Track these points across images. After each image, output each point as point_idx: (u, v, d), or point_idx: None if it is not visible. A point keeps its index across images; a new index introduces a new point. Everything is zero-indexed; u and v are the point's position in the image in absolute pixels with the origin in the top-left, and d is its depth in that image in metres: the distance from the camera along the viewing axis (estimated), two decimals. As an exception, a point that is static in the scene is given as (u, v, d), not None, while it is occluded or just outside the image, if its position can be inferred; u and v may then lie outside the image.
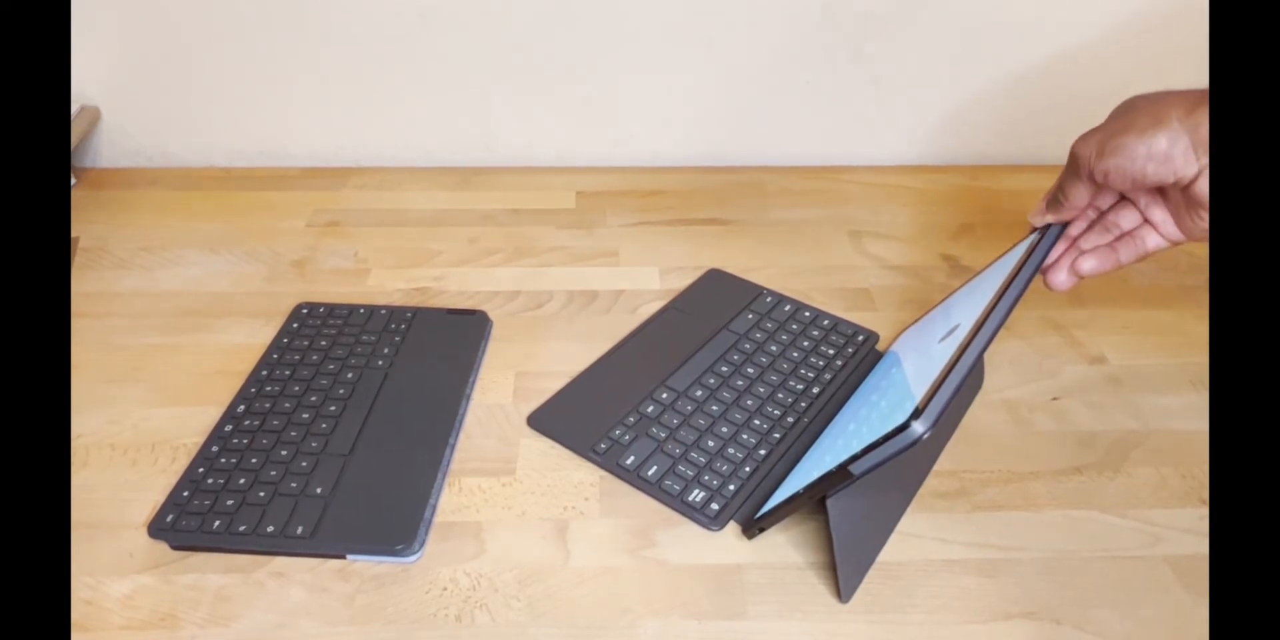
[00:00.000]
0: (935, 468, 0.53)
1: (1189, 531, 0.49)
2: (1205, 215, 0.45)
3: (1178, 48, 0.77)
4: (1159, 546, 0.49)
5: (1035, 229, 0.52)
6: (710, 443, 0.53)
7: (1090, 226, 0.51)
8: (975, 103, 0.83)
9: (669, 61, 0.79)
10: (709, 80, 0.81)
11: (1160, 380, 0.60)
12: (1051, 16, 0.77)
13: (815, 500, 0.44)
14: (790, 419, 0.55)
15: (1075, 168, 0.46)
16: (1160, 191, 0.47)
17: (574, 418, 0.56)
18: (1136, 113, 0.43)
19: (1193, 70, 0.75)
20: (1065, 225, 0.51)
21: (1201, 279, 0.70)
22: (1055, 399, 0.59)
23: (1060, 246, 0.51)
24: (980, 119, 0.84)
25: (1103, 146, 0.43)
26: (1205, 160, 0.41)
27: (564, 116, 0.83)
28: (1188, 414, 0.57)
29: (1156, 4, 0.75)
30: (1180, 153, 0.41)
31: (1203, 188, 0.42)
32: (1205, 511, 0.51)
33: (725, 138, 0.86)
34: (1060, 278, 0.50)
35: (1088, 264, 0.50)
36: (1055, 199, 0.49)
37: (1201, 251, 0.73)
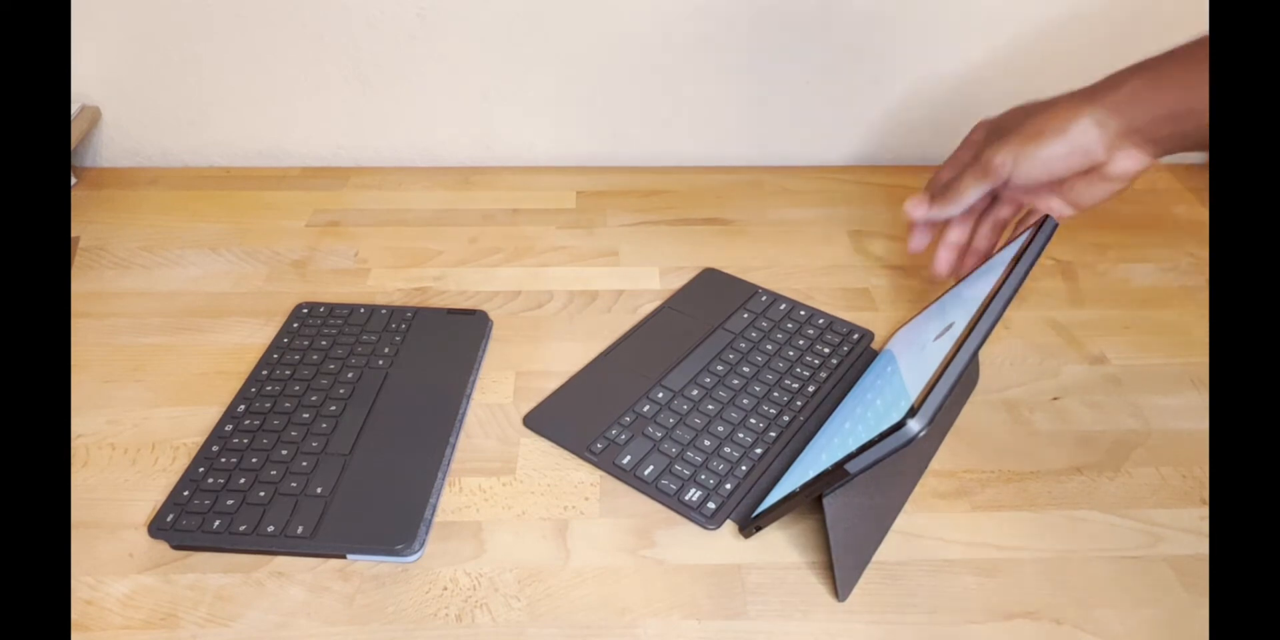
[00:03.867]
0: (935, 467, 0.53)
1: (1189, 531, 0.49)
2: (1109, 186, 0.51)
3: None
4: (1159, 546, 0.49)
5: (1030, 226, 0.52)
6: (706, 442, 0.53)
7: (977, 226, 0.57)
8: (976, 103, 0.83)
9: (669, 61, 0.79)
10: (709, 80, 0.81)
11: (1160, 380, 0.60)
12: (1053, 17, 0.77)
13: (812, 499, 0.44)
14: (786, 418, 0.55)
15: (985, 173, 0.50)
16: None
17: (570, 418, 0.56)
18: (1041, 117, 0.50)
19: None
20: (1056, 225, 0.52)
21: (1201, 279, 0.70)
22: (1055, 399, 0.59)
23: (952, 252, 0.56)
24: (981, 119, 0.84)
25: (1020, 154, 0.49)
26: (1115, 142, 0.48)
27: (564, 116, 0.83)
28: (1188, 414, 0.57)
29: (1158, 6, 0.75)
30: (1094, 141, 0.48)
31: (1117, 167, 0.49)
32: (1205, 511, 0.51)
33: (725, 138, 0.86)
34: (943, 269, 0.58)
35: (971, 262, 0.57)
36: (945, 193, 0.52)
37: (1202, 252, 0.73)
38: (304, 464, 0.51)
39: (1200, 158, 0.86)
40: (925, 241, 0.56)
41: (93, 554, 0.47)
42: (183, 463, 0.52)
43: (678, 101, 0.82)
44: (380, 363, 0.59)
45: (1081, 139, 0.48)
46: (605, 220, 0.77)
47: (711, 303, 0.66)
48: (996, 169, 0.50)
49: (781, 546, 0.48)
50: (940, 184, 0.55)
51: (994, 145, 0.50)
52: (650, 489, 0.51)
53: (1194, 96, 0.46)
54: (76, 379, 0.58)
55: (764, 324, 0.63)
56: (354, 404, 0.55)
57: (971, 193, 0.52)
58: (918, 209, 0.54)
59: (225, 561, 0.47)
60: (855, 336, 0.62)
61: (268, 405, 0.55)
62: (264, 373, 0.58)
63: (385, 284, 0.68)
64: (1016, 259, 0.49)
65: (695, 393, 0.57)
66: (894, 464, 0.41)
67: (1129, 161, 0.49)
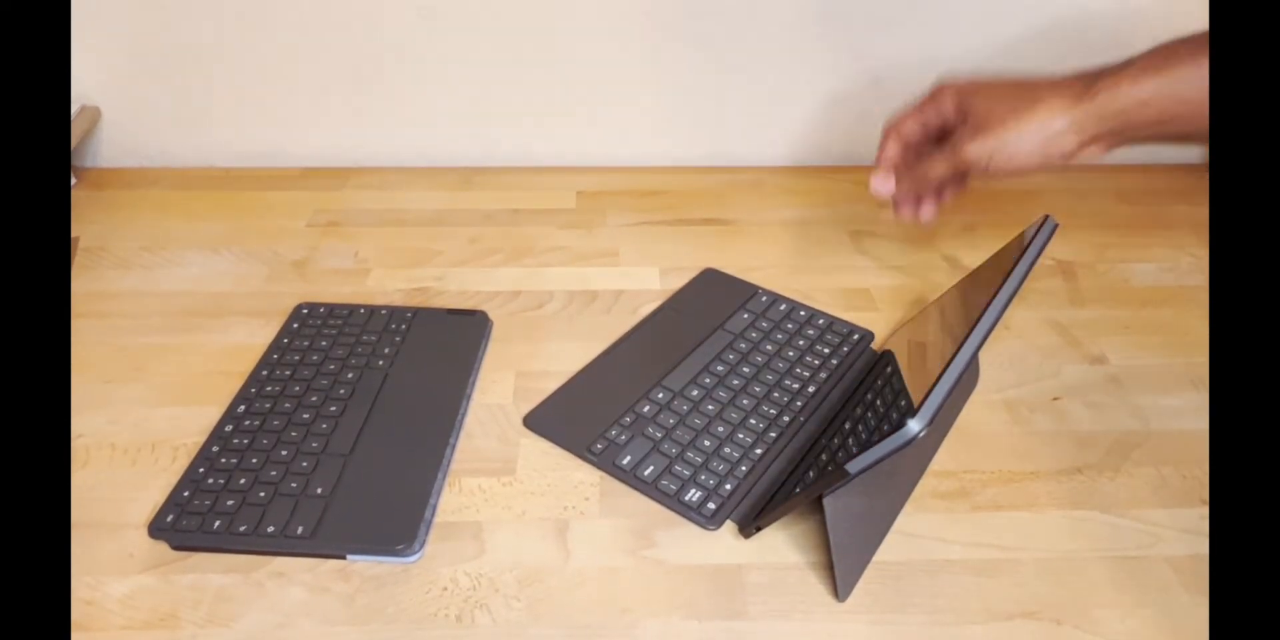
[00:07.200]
0: (935, 468, 0.53)
1: (1189, 531, 0.49)
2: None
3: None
4: (1159, 546, 0.49)
5: (1040, 224, 0.51)
6: (706, 442, 0.53)
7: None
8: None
9: (669, 61, 0.79)
10: (709, 80, 0.81)
11: (1160, 380, 0.60)
12: (1052, 17, 0.76)
13: (812, 499, 0.44)
14: (786, 418, 0.55)
15: (958, 164, 0.52)
16: None
17: (569, 418, 0.56)
18: (1019, 118, 0.50)
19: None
20: (1056, 225, 0.51)
21: (1201, 279, 0.70)
22: (1055, 399, 0.59)
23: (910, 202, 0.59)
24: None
25: (997, 151, 0.51)
26: (1086, 141, 0.50)
27: (564, 116, 0.83)
28: (1188, 414, 0.57)
29: (1157, 5, 0.75)
30: (1070, 143, 0.50)
31: (1077, 159, 0.51)
32: (1205, 511, 0.51)
33: (725, 138, 0.86)
34: (928, 213, 0.59)
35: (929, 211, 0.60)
36: (912, 177, 0.55)
37: (1202, 252, 0.73)
38: (304, 464, 0.51)
39: (1200, 157, 0.86)
40: (890, 186, 0.58)
41: (93, 554, 0.47)
42: (183, 463, 0.52)
43: (677, 101, 0.82)
44: (380, 363, 0.59)
45: (1058, 141, 0.50)
46: (605, 220, 0.77)
47: (711, 303, 0.66)
48: (972, 163, 0.52)
49: (781, 547, 0.48)
50: (901, 137, 0.57)
51: (970, 137, 0.51)
52: (650, 489, 0.51)
53: (1170, 95, 0.48)
54: (76, 379, 0.58)
55: (764, 324, 0.63)
56: (354, 404, 0.55)
57: (939, 176, 0.54)
58: (884, 186, 0.57)
59: (225, 562, 0.47)
60: (855, 337, 0.62)
61: (268, 405, 0.55)
62: (264, 373, 0.57)
63: (385, 284, 0.68)
64: (1016, 259, 0.49)
65: (695, 393, 0.57)
66: (894, 464, 0.41)
67: (1090, 156, 0.51)
